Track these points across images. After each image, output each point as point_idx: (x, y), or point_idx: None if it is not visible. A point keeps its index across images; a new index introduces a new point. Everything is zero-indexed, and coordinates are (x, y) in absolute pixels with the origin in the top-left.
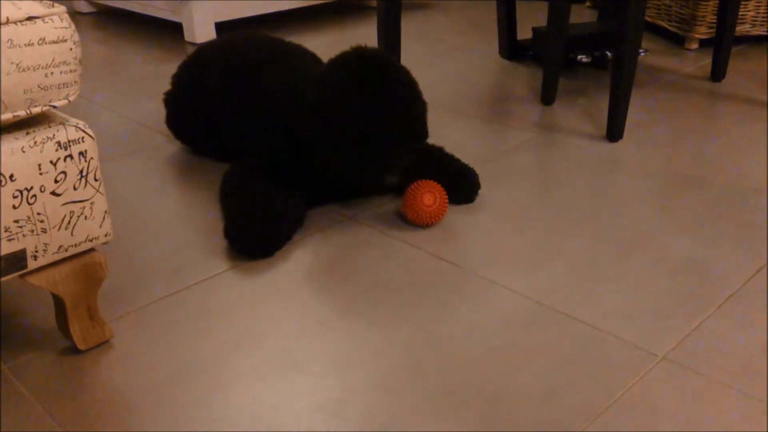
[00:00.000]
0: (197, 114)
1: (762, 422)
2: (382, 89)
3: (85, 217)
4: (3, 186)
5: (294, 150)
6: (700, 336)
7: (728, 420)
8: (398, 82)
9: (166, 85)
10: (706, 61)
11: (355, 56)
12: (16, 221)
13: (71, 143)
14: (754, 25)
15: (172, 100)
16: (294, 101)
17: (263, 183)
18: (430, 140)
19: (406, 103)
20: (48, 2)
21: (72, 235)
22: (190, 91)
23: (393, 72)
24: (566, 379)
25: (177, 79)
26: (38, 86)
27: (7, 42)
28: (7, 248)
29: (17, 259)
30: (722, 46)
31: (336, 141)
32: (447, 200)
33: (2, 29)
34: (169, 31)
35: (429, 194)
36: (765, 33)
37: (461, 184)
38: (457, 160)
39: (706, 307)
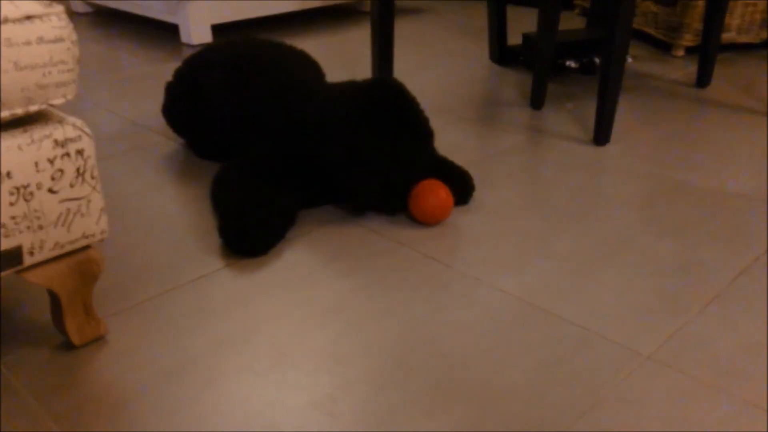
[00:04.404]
0: (193, 107)
1: (744, 421)
2: (373, 105)
3: (82, 214)
4: (0, 183)
5: (289, 151)
6: (684, 336)
7: (711, 419)
8: (389, 100)
9: (162, 86)
10: (692, 68)
11: (355, 83)
12: (13, 218)
13: (68, 141)
14: (740, 33)
15: (170, 91)
16: (294, 105)
17: (256, 182)
18: None
19: (397, 115)
20: (46, 2)
21: (68, 232)
22: (188, 85)
23: (386, 92)
24: (553, 377)
25: (178, 72)
26: (36, 85)
27: (5, 41)
28: (4, 245)
29: (13, 256)
30: (708, 53)
31: (333, 154)
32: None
33: (0, 28)
34: (166, 32)
35: (443, 189)
36: (750, 41)
37: (457, 186)
38: (452, 162)
39: (691, 308)
